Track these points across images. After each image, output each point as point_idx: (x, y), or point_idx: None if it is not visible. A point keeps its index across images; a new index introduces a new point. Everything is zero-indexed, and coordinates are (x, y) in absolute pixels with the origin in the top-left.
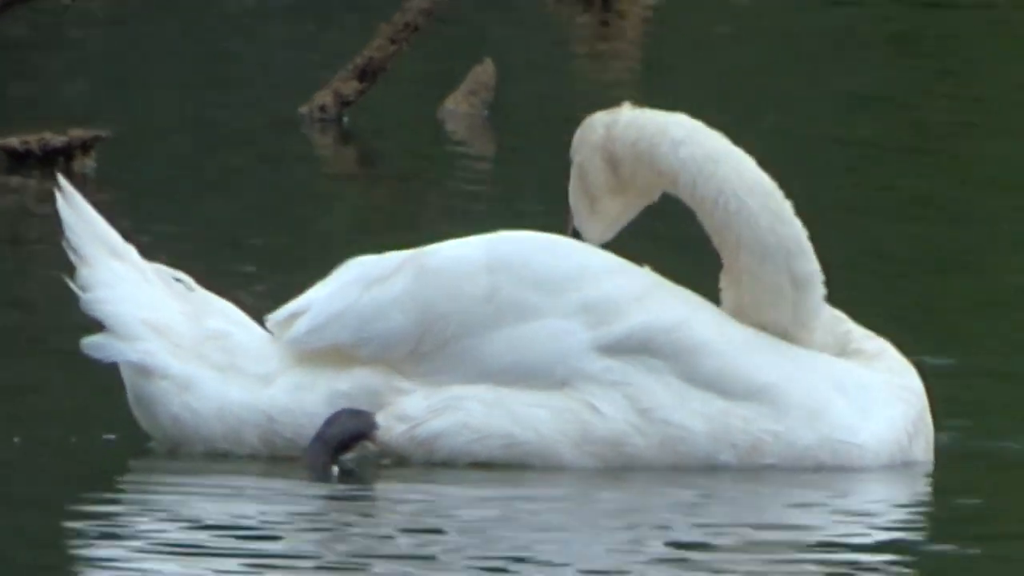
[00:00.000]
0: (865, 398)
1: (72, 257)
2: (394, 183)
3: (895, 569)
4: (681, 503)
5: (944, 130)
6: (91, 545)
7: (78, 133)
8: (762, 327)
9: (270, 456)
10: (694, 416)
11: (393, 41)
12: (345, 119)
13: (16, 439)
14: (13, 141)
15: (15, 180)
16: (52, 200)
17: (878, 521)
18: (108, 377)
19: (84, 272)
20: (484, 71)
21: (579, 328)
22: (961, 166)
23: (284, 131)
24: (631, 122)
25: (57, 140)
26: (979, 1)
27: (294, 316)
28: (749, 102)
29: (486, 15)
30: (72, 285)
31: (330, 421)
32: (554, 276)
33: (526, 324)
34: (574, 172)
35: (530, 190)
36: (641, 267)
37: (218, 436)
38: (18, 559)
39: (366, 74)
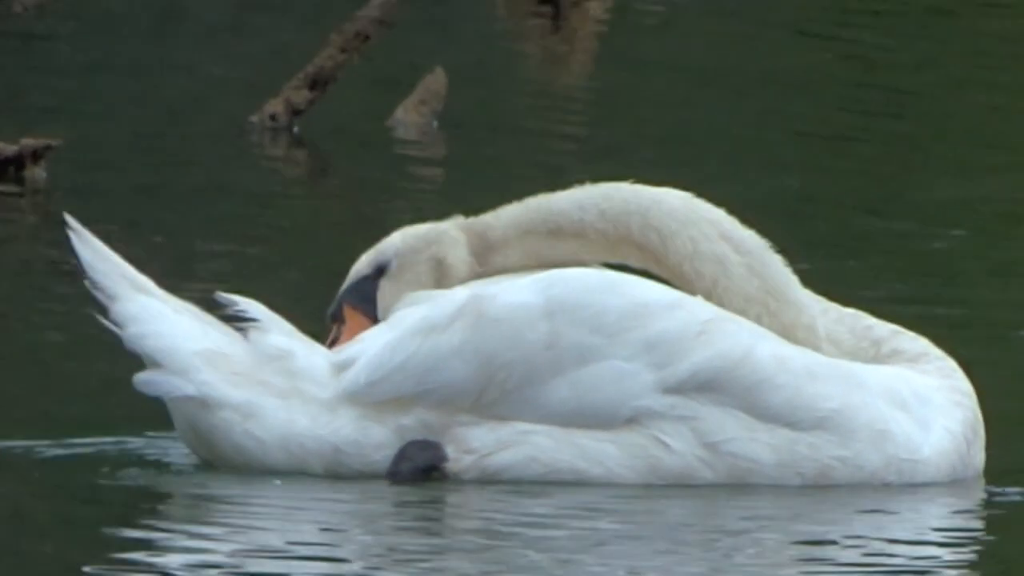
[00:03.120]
0: (924, 409)
1: (98, 295)
2: (346, 190)
3: None
4: (747, 512)
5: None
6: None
7: (29, 142)
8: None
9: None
10: (762, 447)
11: (343, 50)
12: (296, 128)
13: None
14: None
15: None
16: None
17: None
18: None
19: (117, 309)
20: (435, 80)
21: (643, 369)
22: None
23: (235, 140)
24: (507, 217)
25: (8, 149)
26: None
27: (348, 363)
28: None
29: (436, 22)
30: (107, 323)
31: (400, 456)
32: (613, 316)
33: (589, 367)
34: (405, 273)
35: (478, 197)
36: (694, 297)
37: (282, 464)
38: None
39: (316, 83)
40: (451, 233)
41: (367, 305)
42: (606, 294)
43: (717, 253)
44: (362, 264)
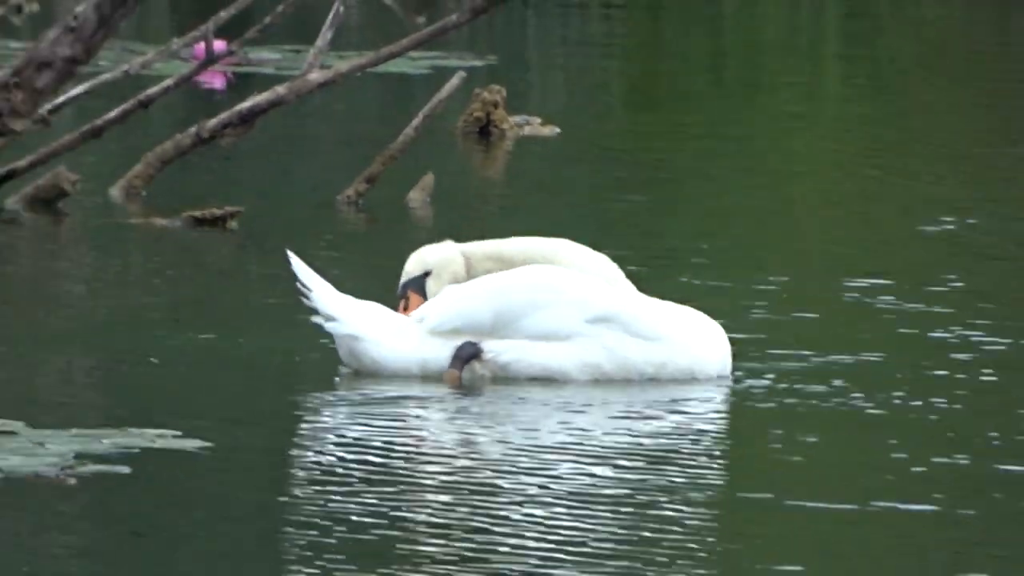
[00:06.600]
0: (704, 332)
1: (304, 293)
2: (384, 236)
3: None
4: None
5: None
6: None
7: (230, 208)
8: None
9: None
10: (634, 351)
11: (384, 163)
12: (360, 202)
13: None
14: (196, 212)
15: (197, 233)
16: (217, 245)
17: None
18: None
19: (315, 300)
20: (428, 178)
21: (574, 311)
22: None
23: (329, 209)
24: (479, 248)
25: (219, 212)
26: None
27: (423, 319)
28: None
29: (428, 145)
30: (307, 303)
31: (460, 347)
32: (559, 287)
33: (547, 311)
34: (439, 280)
35: (454, 232)
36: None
37: (398, 371)
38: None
39: (371, 179)
40: (459, 258)
41: (421, 291)
42: (555, 276)
43: (592, 272)
44: (413, 267)
